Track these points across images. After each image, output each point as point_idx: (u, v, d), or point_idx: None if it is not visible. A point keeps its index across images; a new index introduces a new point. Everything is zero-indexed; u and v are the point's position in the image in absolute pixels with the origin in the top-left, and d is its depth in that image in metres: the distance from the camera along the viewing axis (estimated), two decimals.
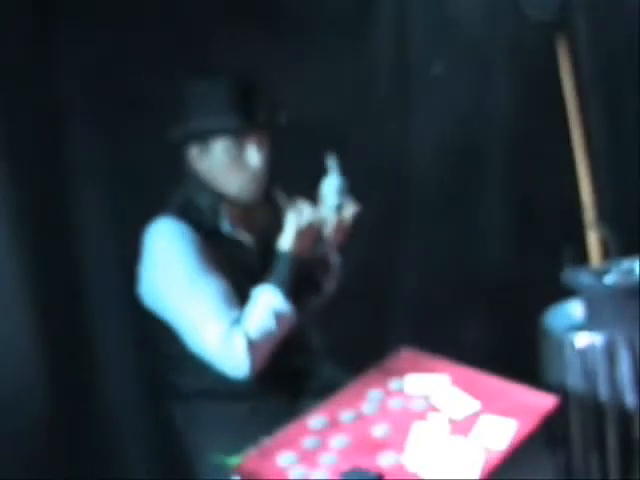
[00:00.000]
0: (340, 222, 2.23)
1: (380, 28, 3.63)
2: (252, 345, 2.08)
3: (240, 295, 2.17)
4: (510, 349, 3.51)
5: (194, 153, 2.24)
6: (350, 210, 2.23)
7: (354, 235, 2.37)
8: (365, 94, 3.57)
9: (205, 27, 2.98)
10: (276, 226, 2.25)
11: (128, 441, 2.93)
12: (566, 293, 2.90)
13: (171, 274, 2.15)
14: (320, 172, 2.26)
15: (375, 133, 3.59)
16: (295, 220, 2.18)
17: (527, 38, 3.83)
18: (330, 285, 2.48)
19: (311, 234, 2.20)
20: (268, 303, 2.14)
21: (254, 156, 2.21)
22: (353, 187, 2.75)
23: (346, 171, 3.02)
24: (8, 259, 2.61)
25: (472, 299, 3.75)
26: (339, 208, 2.21)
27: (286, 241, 2.19)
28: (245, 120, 2.19)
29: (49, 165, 2.75)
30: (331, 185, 2.22)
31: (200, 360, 2.16)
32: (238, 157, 2.21)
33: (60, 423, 2.72)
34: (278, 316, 2.14)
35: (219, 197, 2.24)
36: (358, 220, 2.30)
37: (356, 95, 3.52)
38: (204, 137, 2.21)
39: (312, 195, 2.27)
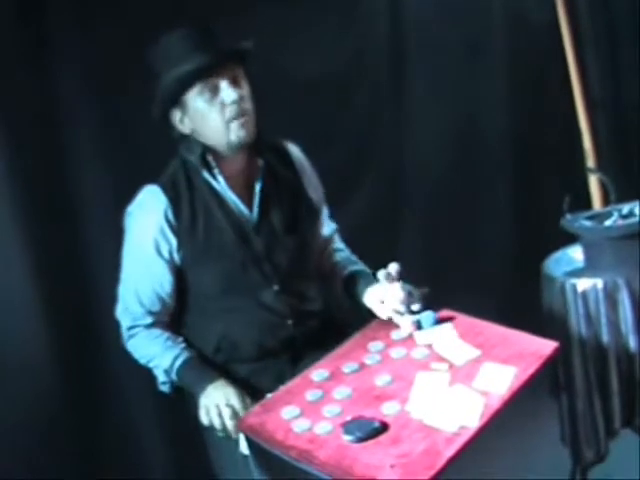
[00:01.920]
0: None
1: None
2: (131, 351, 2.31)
3: (230, 252, 2.19)
4: (514, 296, 3.53)
5: (177, 118, 2.18)
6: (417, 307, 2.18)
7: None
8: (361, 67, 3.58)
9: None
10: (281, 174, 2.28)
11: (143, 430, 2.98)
12: (568, 240, 2.91)
13: (126, 245, 2.25)
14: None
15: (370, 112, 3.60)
16: None
17: None
18: None
19: None
20: (160, 360, 2.22)
21: (228, 92, 2.10)
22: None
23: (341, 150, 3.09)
24: (12, 243, 2.64)
25: (475, 249, 3.76)
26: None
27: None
28: (207, 57, 2.10)
29: (50, 149, 2.76)
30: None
31: (194, 325, 2.26)
32: (214, 99, 2.11)
33: (75, 419, 2.79)
34: (152, 367, 2.26)
35: (207, 148, 2.18)
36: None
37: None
38: (177, 93, 2.13)
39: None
